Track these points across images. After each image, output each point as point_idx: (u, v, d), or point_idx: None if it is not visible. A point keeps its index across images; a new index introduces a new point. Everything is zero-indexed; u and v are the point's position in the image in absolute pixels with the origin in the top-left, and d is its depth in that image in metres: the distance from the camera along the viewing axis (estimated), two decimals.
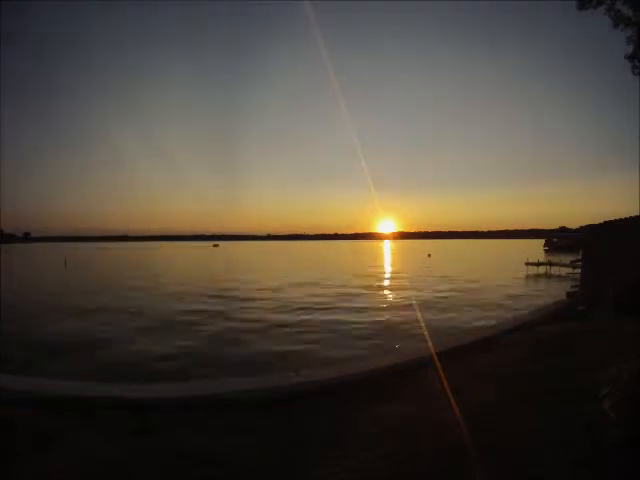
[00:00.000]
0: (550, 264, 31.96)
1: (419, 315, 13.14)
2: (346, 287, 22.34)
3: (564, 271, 29.36)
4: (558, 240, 70.20)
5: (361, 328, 11.99)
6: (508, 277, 27.66)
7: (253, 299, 17.92)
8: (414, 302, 16.33)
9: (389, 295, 19.95)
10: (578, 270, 19.86)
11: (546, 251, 59.97)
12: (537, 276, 28.85)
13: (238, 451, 3.17)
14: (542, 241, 77.77)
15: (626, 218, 9.03)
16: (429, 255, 58.19)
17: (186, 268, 41.86)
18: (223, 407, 4.23)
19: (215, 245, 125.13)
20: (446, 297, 18.25)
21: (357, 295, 19.29)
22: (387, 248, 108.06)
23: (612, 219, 9.77)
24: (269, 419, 3.91)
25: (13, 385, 4.57)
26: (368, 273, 31.90)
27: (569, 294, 12.06)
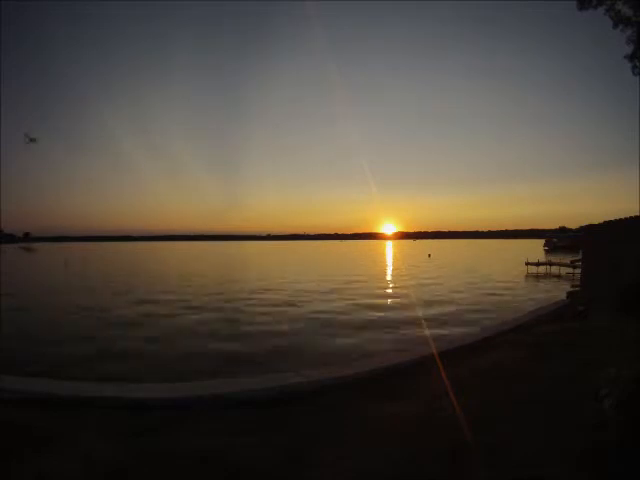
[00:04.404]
0: (550, 264, 31.98)
1: None
2: None
3: (564, 271, 29.38)
4: (558, 240, 70.27)
5: None
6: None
7: None
8: None
9: None
10: (578, 270, 19.91)
11: (546, 251, 60.00)
12: (537, 276, 28.86)
13: (238, 451, 3.16)
14: (542, 241, 77.83)
15: (626, 218, 9.01)
16: (429, 255, 58.22)
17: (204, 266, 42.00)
18: (223, 407, 4.22)
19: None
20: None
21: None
22: (392, 248, 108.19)
23: (612, 219, 9.77)
24: (269, 419, 3.91)
25: (13, 385, 4.56)
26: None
27: (569, 294, 12.05)
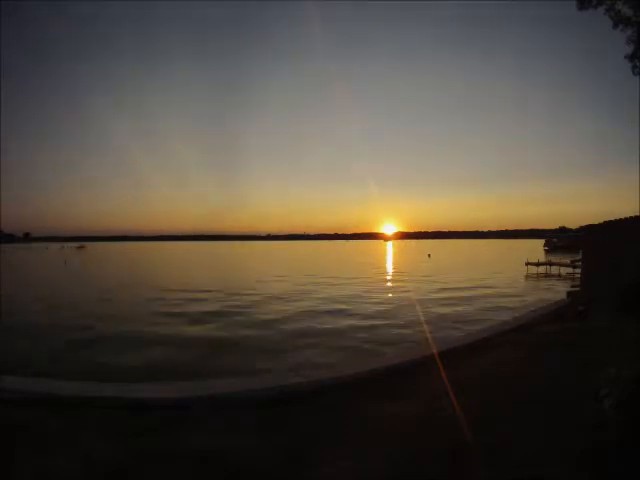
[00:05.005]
0: (550, 264, 31.97)
1: None
2: None
3: (564, 271, 29.38)
4: (558, 240, 70.27)
5: None
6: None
7: None
8: None
9: None
10: (578, 270, 19.91)
11: (546, 251, 60.00)
12: (537, 276, 28.86)
13: (238, 451, 3.16)
14: (542, 241, 77.84)
15: (626, 218, 9.01)
16: (429, 255, 58.23)
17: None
18: (223, 407, 4.22)
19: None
20: None
21: None
22: (392, 248, 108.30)
23: (612, 219, 9.76)
24: (269, 419, 3.91)
25: (13, 385, 4.56)
26: None
27: (569, 294, 12.04)
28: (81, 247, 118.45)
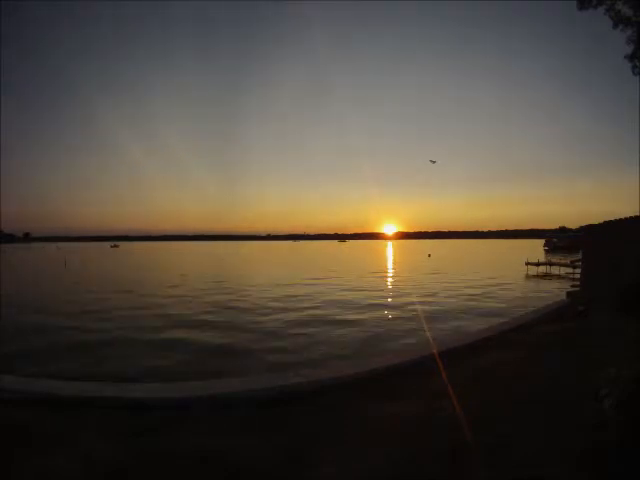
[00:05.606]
0: (550, 264, 31.96)
1: None
2: None
3: (564, 271, 29.37)
4: (558, 240, 70.27)
5: None
6: None
7: None
8: None
9: None
10: (578, 270, 19.91)
11: (546, 251, 60.00)
12: (537, 276, 28.86)
13: (238, 451, 3.16)
14: (542, 241, 77.87)
15: (626, 218, 9.00)
16: (429, 255, 58.27)
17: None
18: (223, 407, 4.22)
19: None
20: None
21: None
22: (392, 248, 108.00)
23: (612, 219, 9.75)
24: (269, 419, 3.91)
25: (13, 385, 4.57)
26: None
27: (569, 294, 12.03)
28: (115, 246, 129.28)
